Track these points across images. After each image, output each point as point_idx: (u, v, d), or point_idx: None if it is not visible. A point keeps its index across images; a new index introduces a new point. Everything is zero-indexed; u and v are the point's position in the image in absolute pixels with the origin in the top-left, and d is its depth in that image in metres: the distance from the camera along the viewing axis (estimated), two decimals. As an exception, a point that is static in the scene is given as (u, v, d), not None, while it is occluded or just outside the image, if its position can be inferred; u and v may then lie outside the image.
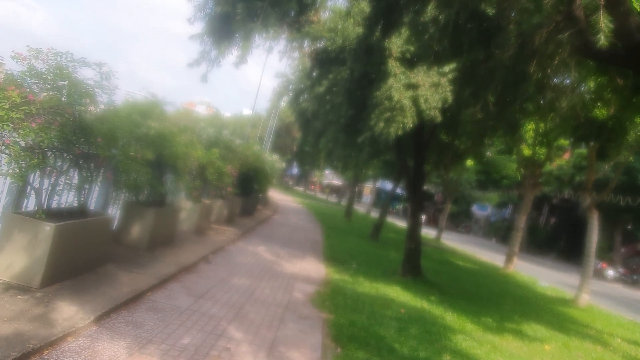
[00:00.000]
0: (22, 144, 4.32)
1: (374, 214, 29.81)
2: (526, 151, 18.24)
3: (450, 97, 8.44)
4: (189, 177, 8.95)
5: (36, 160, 4.38)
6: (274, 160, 20.45)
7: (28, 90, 4.36)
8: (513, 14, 5.87)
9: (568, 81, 9.45)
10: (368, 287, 8.67)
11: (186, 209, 9.64)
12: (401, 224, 28.26)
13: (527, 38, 5.30)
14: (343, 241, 15.53)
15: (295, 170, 62.44)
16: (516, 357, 6.44)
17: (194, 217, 9.86)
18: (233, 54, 5.31)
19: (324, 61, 10.36)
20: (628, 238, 31.60)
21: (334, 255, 11.78)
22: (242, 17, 4.69)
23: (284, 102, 24.42)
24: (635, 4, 3.74)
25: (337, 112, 9.69)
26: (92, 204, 6.43)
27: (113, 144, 5.54)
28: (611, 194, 18.53)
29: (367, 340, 5.48)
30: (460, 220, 46.92)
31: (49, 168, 4.87)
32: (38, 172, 4.80)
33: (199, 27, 5.41)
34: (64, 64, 4.70)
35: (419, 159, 11.57)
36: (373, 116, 8.46)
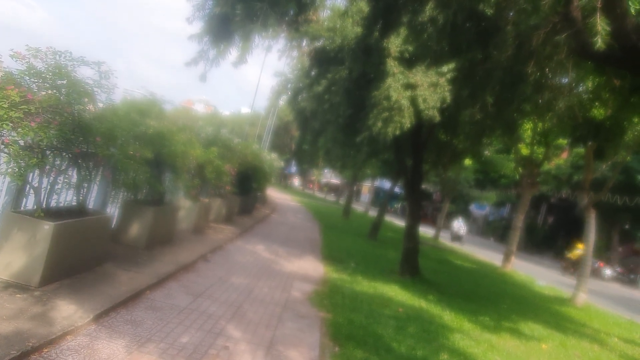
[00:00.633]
0: (21, 143, 4.32)
1: (372, 213, 29.86)
2: (524, 150, 18.27)
3: (448, 97, 8.46)
4: (188, 176, 8.95)
5: (35, 159, 4.38)
6: (272, 159, 20.46)
7: (27, 89, 4.37)
8: (511, 15, 5.90)
9: (566, 81, 9.48)
10: (366, 286, 8.70)
11: (185, 207, 9.65)
12: (399, 222, 28.31)
13: (525, 39, 5.33)
14: (341, 240, 15.56)
15: (293, 168, 62.44)
16: (513, 356, 6.47)
17: (193, 216, 9.87)
18: (232, 53, 5.32)
19: (322, 60, 10.37)
20: (625, 237, 31.69)
21: (332, 254, 11.81)
22: (242, 17, 4.70)
23: (282, 101, 24.41)
24: (632, 6, 3.77)
25: (336, 111, 9.71)
26: (91, 203, 6.44)
27: (112, 142, 5.54)
28: (609, 193, 18.60)
29: (365, 339, 5.51)
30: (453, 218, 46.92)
31: (48, 167, 4.88)
32: (37, 171, 4.80)
33: (198, 26, 5.42)
34: (63, 63, 4.70)
35: (417, 158, 11.59)
36: (371, 116, 8.48)
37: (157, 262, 6.67)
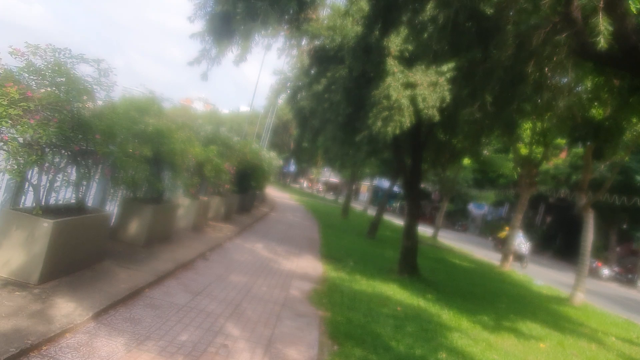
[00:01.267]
0: (21, 140, 4.32)
1: (371, 212, 29.87)
2: (523, 150, 18.29)
3: (448, 97, 8.46)
4: (187, 174, 8.95)
5: (34, 156, 4.38)
6: (271, 158, 20.45)
7: (26, 86, 4.36)
8: (511, 14, 5.90)
9: (565, 81, 9.49)
10: (365, 284, 8.71)
11: (184, 205, 9.64)
12: (398, 221, 28.33)
13: (525, 39, 5.33)
14: (340, 239, 15.56)
15: (292, 167, 62.42)
16: (511, 355, 6.49)
17: (192, 214, 9.86)
18: (233, 52, 5.33)
19: (322, 59, 10.36)
20: (623, 237, 31.79)
21: (331, 253, 11.81)
22: (243, 16, 4.70)
23: (281, 100, 24.39)
24: (632, 7, 3.77)
25: (335, 110, 9.69)
26: (90, 201, 6.44)
27: (111, 140, 5.54)
28: (607, 193, 18.64)
29: (364, 338, 5.52)
30: (457, 219, 47.04)
31: (47, 164, 4.87)
32: (36, 169, 4.79)
33: (199, 25, 5.42)
34: (62, 60, 4.69)
35: (416, 157, 11.59)
36: (371, 115, 8.48)
37: (156, 260, 6.67)
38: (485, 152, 21.41)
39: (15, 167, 4.25)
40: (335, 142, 11.19)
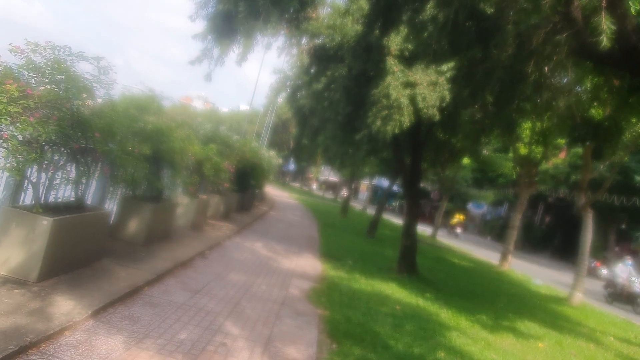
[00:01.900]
0: (20, 137, 4.31)
1: (370, 211, 29.88)
2: (522, 150, 18.30)
3: (447, 96, 8.46)
4: (186, 173, 8.94)
5: (34, 154, 4.37)
6: (270, 156, 20.45)
7: (26, 84, 4.35)
8: (511, 14, 5.90)
9: (565, 81, 9.49)
10: (364, 283, 8.72)
11: (183, 204, 9.64)
12: (397, 221, 28.34)
13: (525, 38, 5.33)
14: (339, 238, 15.57)
15: (291, 166, 62.41)
16: (510, 354, 6.50)
17: (191, 212, 9.86)
18: (235, 51, 5.32)
19: (322, 58, 10.35)
20: (622, 237, 31.82)
21: (330, 252, 11.82)
22: (244, 15, 4.70)
23: (281, 99, 24.39)
24: (632, 8, 3.77)
25: (335, 109, 9.69)
26: (89, 199, 6.43)
27: (110, 138, 5.53)
28: (606, 193, 18.65)
29: (363, 337, 5.52)
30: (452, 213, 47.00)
31: (46, 162, 4.87)
32: (35, 166, 4.79)
33: (200, 24, 5.42)
34: (62, 57, 4.68)
35: (416, 156, 11.60)
36: (371, 114, 8.48)
37: (155, 258, 6.67)
38: (484, 151, 21.43)
39: (15, 164, 4.24)
40: (335, 141, 11.20)
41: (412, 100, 8.41)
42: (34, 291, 4.30)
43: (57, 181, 5.20)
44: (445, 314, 7.84)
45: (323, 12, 10.29)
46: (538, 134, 16.37)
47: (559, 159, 28.44)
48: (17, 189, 5.00)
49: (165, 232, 8.14)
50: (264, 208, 20.40)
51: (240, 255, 9.14)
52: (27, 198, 5.09)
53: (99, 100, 5.43)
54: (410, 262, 10.95)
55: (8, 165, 4.24)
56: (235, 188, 13.75)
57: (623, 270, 15.83)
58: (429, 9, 6.05)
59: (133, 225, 7.20)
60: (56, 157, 5.13)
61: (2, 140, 4.16)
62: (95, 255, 5.67)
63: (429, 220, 36.98)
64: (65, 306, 4.15)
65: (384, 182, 37.05)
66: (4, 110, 4.01)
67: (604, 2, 3.73)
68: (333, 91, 9.66)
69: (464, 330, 7.12)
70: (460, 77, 7.86)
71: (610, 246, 30.67)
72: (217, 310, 5.39)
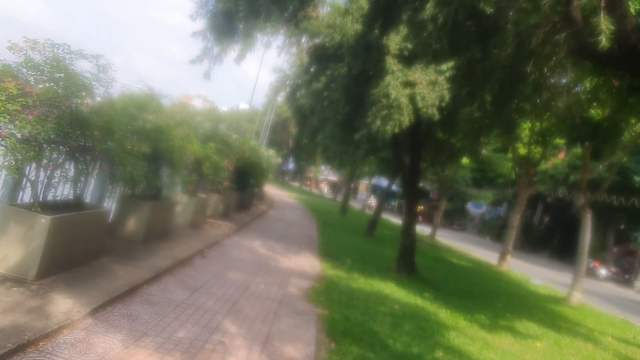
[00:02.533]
0: (19, 135, 4.30)
1: (369, 211, 29.88)
2: (521, 150, 18.31)
3: (447, 96, 8.46)
4: (185, 171, 8.93)
5: (32, 152, 4.36)
6: (270, 155, 20.44)
7: (25, 81, 4.34)
8: (511, 14, 5.90)
9: (564, 81, 9.50)
10: (363, 283, 8.72)
11: (182, 202, 9.63)
12: (396, 220, 28.35)
13: (525, 38, 5.33)
14: (338, 237, 15.57)
15: (291, 165, 62.40)
16: (508, 354, 6.51)
17: (190, 211, 9.85)
18: (235, 50, 5.32)
19: (321, 57, 10.35)
20: (621, 238, 31.87)
21: (329, 251, 11.82)
22: (245, 13, 4.70)
23: (280, 98, 24.36)
24: (631, 7, 3.77)
25: (335, 108, 9.69)
26: (88, 197, 6.43)
27: (109, 137, 5.52)
28: (605, 193, 18.67)
29: (361, 336, 5.52)
30: (455, 218, 47.11)
31: (45, 160, 4.86)
32: (34, 164, 4.78)
33: (200, 23, 5.42)
34: (61, 55, 4.66)
35: (415, 156, 11.60)
36: (370, 113, 8.48)
37: (154, 256, 6.66)
38: (484, 151, 21.44)
39: (13, 162, 4.23)
40: (334, 141, 11.20)
41: (412, 99, 8.41)
42: (33, 289, 4.29)
43: (56, 179, 5.19)
44: (443, 314, 7.85)
45: (323, 11, 10.29)
46: (537, 134, 16.39)
47: (558, 159, 28.46)
48: (15, 187, 5.00)
49: (164, 230, 8.13)
50: (263, 207, 20.39)
51: (239, 254, 9.14)
52: (26, 196, 5.08)
53: (98, 99, 5.42)
54: (409, 261, 10.95)
55: (6, 163, 4.23)
56: (235, 187, 13.74)
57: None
58: (429, 9, 6.05)
59: (132, 224, 7.20)
60: (55, 155, 5.11)
61: (0, 138, 4.15)
62: (94, 253, 5.67)
63: (428, 220, 37.01)
64: (63, 304, 4.15)
65: (384, 182, 37.05)
66: (2, 108, 4.00)
67: (603, 2, 3.72)
68: (332, 90, 9.65)
69: (463, 330, 7.13)
70: (459, 77, 7.86)
71: (608, 246, 30.72)
72: (215, 309, 5.39)
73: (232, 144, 12.87)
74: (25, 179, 4.90)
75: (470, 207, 46.99)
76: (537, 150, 18.00)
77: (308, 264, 9.91)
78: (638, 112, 8.90)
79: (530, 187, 18.58)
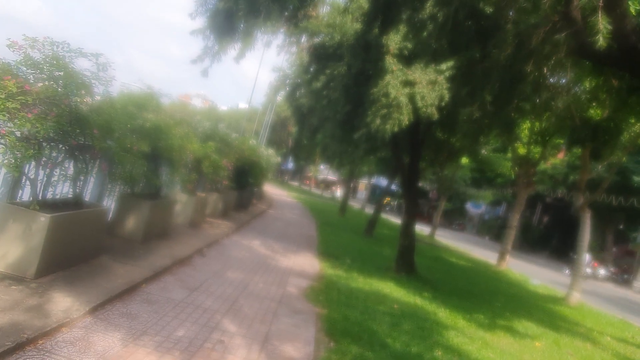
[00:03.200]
0: (18, 134, 4.29)
1: (369, 210, 29.89)
2: (521, 150, 18.33)
3: (446, 95, 8.46)
4: (185, 170, 8.93)
5: (32, 150, 4.36)
6: (269, 155, 20.44)
7: (24, 80, 4.33)
8: (511, 13, 5.90)
9: (564, 81, 9.50)
10: (362, 282, 8.72)
11: (181, 201, 9.63)
12: (396, 220, 28.36)
13: (525, 38, 5.33)
14: (337, 236, 15.57)
15: (290, 164, 62.40)
16: (507, 353, 6.51)
17: (189, 210, 9.85)
18: (235, 48, 5.32)
19: (321, 56, 10.34)
20: (620, 238, 31.92)
21: (328, 251, 11.82)
22: (245, 12, 4.69)
23: (280, 97, 24.36)
24: (632, 7, 3.77)
25: (334, 107, 9.69)
26: (87, 196, 6.42)
27: (109, 135, 5.52)
28: (604, 194, 18.70)
29: (360, 335, 5.52)
30: (454, 218, 47.16)
31: (44, 159, 4.85)
32: (33, 163, 4.77)
33: (200, 22, 5.41)
34: (60, 54, 4.66)
35: (415, 155, 11.60)
36: (369, 113, 8.48)
37: (153, 255, 6.66)
38: (483, 151, 21.46)
39: (13, 161, 4.23)
40: (334, 140, 11.20)
41: (411, 99, 8.41)
42: (32, 288, 4.29)
43: (55, 178, 5.19)
44: (442, 313, 7.85)
45: (322, 11, 10.28)
46: (537, 133, 16.43)
47: (558, 159, 28.49)
48: (15, 185, 4.99)
49: (163, 229, 8.13)
50: (263, 206, 20.39)
51: (238, 253, 9.14)
52: (25, 194, 5.08)
53: (98, 97, 5.41)
54: (409, 261, 10.96)
55: (6, 161, 4.22)
56: (234, 186, 13.75)
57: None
58: (429, 8, 6.04)
59: (131, 223, 7.19)
60: (54, 154, 5.11)
61: (0, 137, 4.15)
62: (93, 252, 5.66)
63: (428, 220, 37.03)
64: (62, 303, 4.15)
65: (383, 181, 37.06)
66: (2, 107, 4.00)
67: (601, 1, 3.72)
68: (332, 90, 9.65)
69: (462, 330, 7.14)
70: (459, 77, 7.87)
71: (608, 246, 30.75)
72: (214, 308, 5.39)
73: (232, 143, 12.87)
74: (24, 178, 4.90)
75: (469, 207, 47.04)
76: (536, 150, 18.01)
77: (307, 263, 9.91)
78: (638, 112, 8.91)
79: (529, 187, 18.60)
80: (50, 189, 5.23)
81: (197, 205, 10.20)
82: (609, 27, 3.68)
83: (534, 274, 19.70)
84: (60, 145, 5.08)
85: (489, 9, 6.21)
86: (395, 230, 18.40)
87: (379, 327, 6.03)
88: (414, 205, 11.94)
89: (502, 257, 18.73)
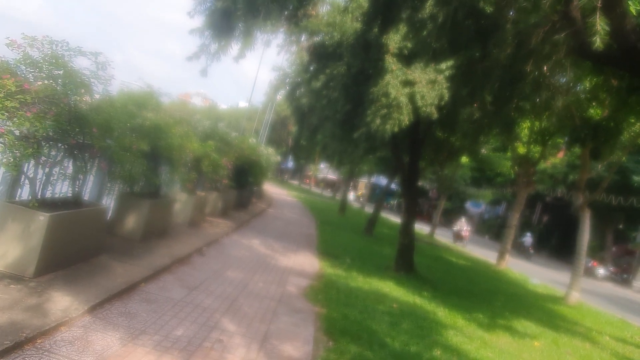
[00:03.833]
0: (17, 133, 4.29)
1: (368, 209, 29.89)
2: (521, 149, 18.32)
3: (446, 95, 8.45)
4: (184, 169, 8.93)
5: (31, 149, 4.35)
6: (269, 154, 20.44)
7: (23, 78, 4.33)
8: (511, 13, 5.90)
9: (564, 81, 9.50)
10: (361, 281, 8.72)
11: (181, 201, 9.63)
12: (395, 219, 28.36)
13: (524, 37, 5.33)
14: (337, 236, 15.58)
15: (290, 163, 62.39)
16: (506, 353, 6.52)
17: (189, 209, 9.85)
18: (233, 48, 5.32)
19: (321, 56, 10.34)
20: (619, 237, 31.92)
21: (327, 250, 11.82)
22: (244, 12, 4.68)
23: (280, 96, 24.35)
24: (631, 7, 3.77)
25: (334, 107, 9.68)
26: (87, 195, 6.42)
27: (108, 134, 5.52)
28: (604, 193, 18.69)
29: (359, 334, 5.53)
30: (454, 217, 47.12)
31: (43, 158, 4.85)
32: (32, 162, 4.77)
33: (198, 20, 5.40)
34: (59, 52, 4.65)
35: (414, 155, 11.60)
36: (369, 112, 8.47)
37: (153, 254, 6.66)
38: (483, 150, 21.45)
39: (11, 160, 4.22)
40: (334, 139, 11.19)
41: (411, 98, 8.40)
42: (31, 287, 4.29)
43: (54, 177, 5.19)
44: (442, 313, 7.86)
45: (322, 10, 10.27)
46: (537, 133, 16.41)
47: (557, 158, 28.48)
48: (14, 184, 4.99)
49: (162, 228, 8.13)
50: (262, 205, 20.39)
51: (238, 253, 9.14)
52: (24, 193, 5.08)
53: (97, 96, 5.41)
54: (408, 260, 10.96)
55: (5, 160, 4.22)
56: (234, 185, 13.74)
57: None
58: (428, 7, 6.03)
59: (130, 222, 7.19)
60: (53, 153, 5.11)
61: (-1, 135, 4.14)
62: (93, 251, 5.66)
63: (427, 219, 37.02)
64: (61, 302, 4.15)
65: (383, 181, 37.05)
66: (1, 105, 4.00)
67: (600, 2, 3.72)
68: (332, 89, 9.65)
69: (461, 329, 7.14)
70: (459, 76, 7.86)
71: (607, 246, 30.76)
72: (214, 307, 5.39)
73: (232, 142, 12.87)
74: (23, 176, 4.89)
75: (469, 206, 47.02)
76: (536, 150, 18.00)
77: (307, 262, 9.91)
78: (637, 111, 8.91)
79: (529, 187, 18.59)
80: (49, 188, 5.23)
81: (197, 204, 10.20)
82: (607, 28, 3.68)
83: (533, 273, 19.71)
84: (60, 144, 5.08)
85: (488, 9, 6.21)
86: (395, 230, 18.39)
87: (378, 326, 6.04)
88: (414, 204, 11.94)
89: (501, 256, 18.73)
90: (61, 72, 4.61)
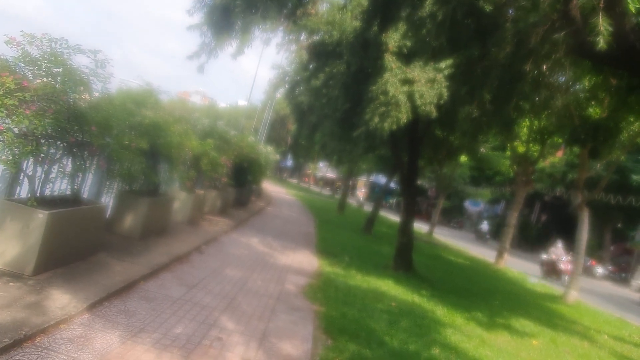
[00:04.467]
0: (16, 130, 4.29)
1: (367, 208, 29.90)
2: (520, 148, 18.33)
3: (445, 94, 8.45)
4: (183, 167, 8.93)
5: (30, 147, 4.35)
6: (268, 152, 20.42)
7: (22, 76, 4.32)
8: (510, 12, 5.90)
9: (563, 80, 9.50)
10: (360, 280, 8.73)
11: (180, 199, 9.62)
12: (394, 218, 28.38)
13: (524, 36, 5.33)
14: (336, 234, 15.59)
15: (289, 162, 62.37)
16: (504, 351, 6.53)
17: (188, 207, 9.85)
18: (232, 45, 5.31)
19: (320, 54, 10.33)
20: (618, 236, 31.96)
21: (326, 248, 11.83)
22: (242, 8, 4.68)
23: (279, 94, 24.33)
24: (631, 6, 3.77)
25: (333, 105, 9.68)
26: (86, 193, 6.41)
27: (107, 132, 5.51)
28: (602, 192, 18.70)
29: (358, 333, 5.54)
30: (453, 216, 47.16)
31: (42, 155, 4.84)
32: (31, 159, 4.77)
33: (197, 18, 5.40)
34: (58, 50, 4.65)
35: (413, 153, 11.61)
36: (368, 110, 8.46)
37: (152, 252, 6.66)
38: (482, 149, 21.47)
39: (11, 157, 4.22)
40: (333, 138, 11.20)
41: (410, 97, 8.39)
42: (30, 284, 4.29)
43: (53, 174, 5.18)
44: (440, 311, 7.87)
45: (322, 8, 10.26)
46: (536, 132, 16.43)
47: (556, 157, 28.50)
48: (12, 182, 4.98)
49: (161, 226, 8.13)
50: (261, 204, 20.39)
51: (237, 251, 9.14)
52: (23, 191, 5.07)
53: (96, 94, 5.41)
54: (407, 259, 10.97)
55: (4, 158, 4.21)
56: (233, 183, 13.74)
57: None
58: (428, 6, 6.03)
59: (129, 220, 7.19)
60: (52, 151, 5.10)
61: (-3, 133, 4.14)
62: (92, 249, 5.66)
63: (426, 218, 37.04)
64: (61, 300, 4.15)
65: (382, 179, 37.06)
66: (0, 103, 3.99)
67: (601, 2, 3.72)
68: (331, 87, 9.64)
69: (459, 328, 7.15)
70: (458, 75, 7.86)
71: (605, 245, 30.80)
72: (212, 305, 5.40)
73: (231, 141, 12.86)
74: (22, 174, 4.89)
75: (468, 205, 47.05)
76: (535, 149, 18.02)
77: (306, 261, 9.92)
78: (637, 111, 8.92)
79: (528, 186, 18.61)
80: (48, 186, 5.23)
81: (196, 203, 10.20)
82: (610, 28, 3.68)
83: (532, 272, 19.74)
84: (59, 142, 5.08)
85: (488, 8, 6.20)
86: (393, 228, 18.40)
87: (376, 325, 6.05)
88: (413, 203, 11.95)
89: (500, 255, 18.75)
90: (60, 69, 4.60)
